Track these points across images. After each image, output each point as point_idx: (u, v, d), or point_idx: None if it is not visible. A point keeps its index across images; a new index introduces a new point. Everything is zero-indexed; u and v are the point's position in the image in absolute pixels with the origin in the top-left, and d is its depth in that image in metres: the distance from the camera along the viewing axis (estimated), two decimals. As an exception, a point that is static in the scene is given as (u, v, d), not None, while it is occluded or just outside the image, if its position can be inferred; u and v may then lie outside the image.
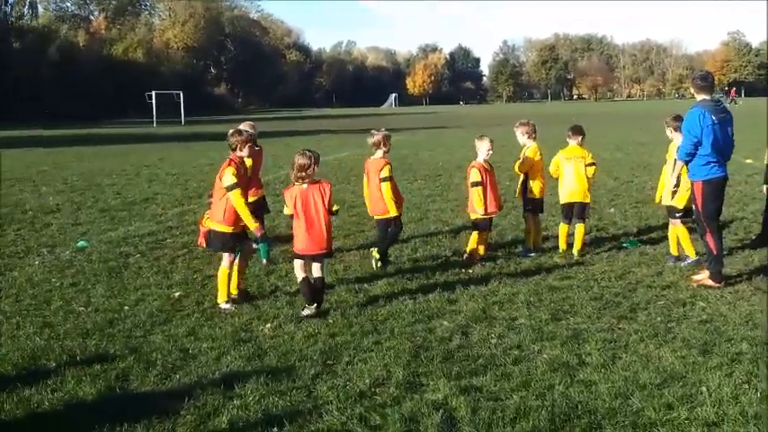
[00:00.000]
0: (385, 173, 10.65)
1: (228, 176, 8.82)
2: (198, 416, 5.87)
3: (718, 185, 9.70)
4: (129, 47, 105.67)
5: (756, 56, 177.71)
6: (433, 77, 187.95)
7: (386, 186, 10.66)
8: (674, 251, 10.80)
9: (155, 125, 62.85)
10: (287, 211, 8.68)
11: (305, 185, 8.56)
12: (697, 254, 10.50)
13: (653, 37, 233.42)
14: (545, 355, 7.09)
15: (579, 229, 11.42)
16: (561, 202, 11.62)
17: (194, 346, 7.48)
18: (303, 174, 8.51)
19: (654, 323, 8.04)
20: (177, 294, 9.43)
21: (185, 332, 7.92)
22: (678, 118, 10.65)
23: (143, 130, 55.18)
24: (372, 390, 6.36)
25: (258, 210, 11.13)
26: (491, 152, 11.06)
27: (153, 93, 67.62)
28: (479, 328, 7.95)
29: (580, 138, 11.57)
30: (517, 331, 7.80)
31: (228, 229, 8.94)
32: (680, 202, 10.47)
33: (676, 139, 10.48)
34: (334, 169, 23.52)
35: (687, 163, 9.66)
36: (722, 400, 6.02)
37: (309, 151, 8.69)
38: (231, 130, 9.44)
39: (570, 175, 11.37)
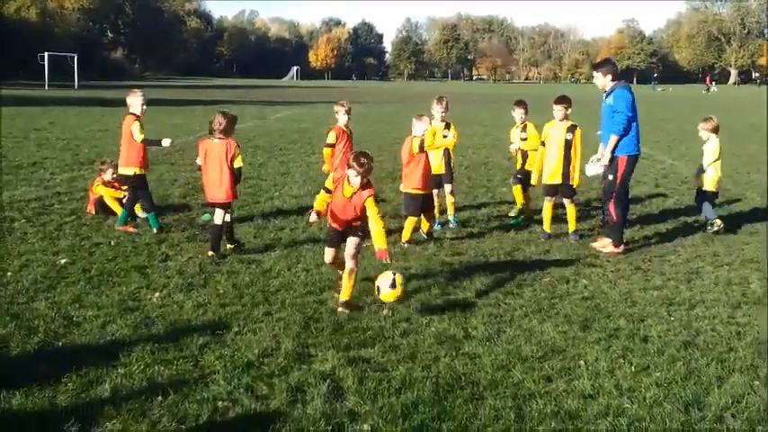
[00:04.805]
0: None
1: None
2: (80, 384, 5.76)
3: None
4: (21, 6, 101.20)
5: (649, 44, 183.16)
6: (335, 52, 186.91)
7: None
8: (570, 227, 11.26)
9: (47, 88, 60.54)
10: (198, 161, 9.79)
11: (216, 140, 9.41)
12: (576, 231, 11.22)
13: (551, 21, 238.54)
14: (433, 328, 7.22)
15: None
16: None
17: (79, 314, 7.32)
18: (215, 128, 9.39)
19: (538, 299, 8.28)
20: (63, 261, 9.18)
21: (70, 299, 7.73)
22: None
23: (34, 93, 53.08)
24: (260, 360, 6.36)
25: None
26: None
27: (46, 54, 64.98)
28: (370, 300, 8.03)
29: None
30: (407, 305, 7.92)
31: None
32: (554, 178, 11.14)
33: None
34: (231, 140, 23.11)
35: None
36: (599, 374, 6.27)
37: (228, 112, 9.81)
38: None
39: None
